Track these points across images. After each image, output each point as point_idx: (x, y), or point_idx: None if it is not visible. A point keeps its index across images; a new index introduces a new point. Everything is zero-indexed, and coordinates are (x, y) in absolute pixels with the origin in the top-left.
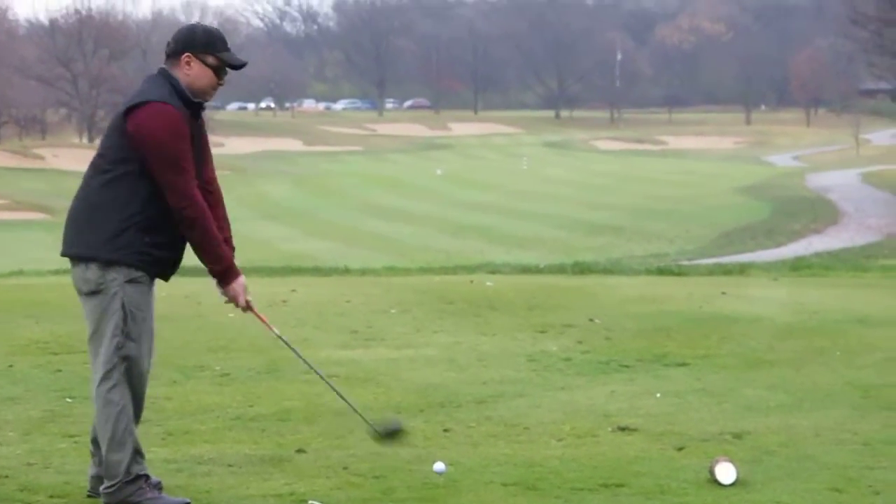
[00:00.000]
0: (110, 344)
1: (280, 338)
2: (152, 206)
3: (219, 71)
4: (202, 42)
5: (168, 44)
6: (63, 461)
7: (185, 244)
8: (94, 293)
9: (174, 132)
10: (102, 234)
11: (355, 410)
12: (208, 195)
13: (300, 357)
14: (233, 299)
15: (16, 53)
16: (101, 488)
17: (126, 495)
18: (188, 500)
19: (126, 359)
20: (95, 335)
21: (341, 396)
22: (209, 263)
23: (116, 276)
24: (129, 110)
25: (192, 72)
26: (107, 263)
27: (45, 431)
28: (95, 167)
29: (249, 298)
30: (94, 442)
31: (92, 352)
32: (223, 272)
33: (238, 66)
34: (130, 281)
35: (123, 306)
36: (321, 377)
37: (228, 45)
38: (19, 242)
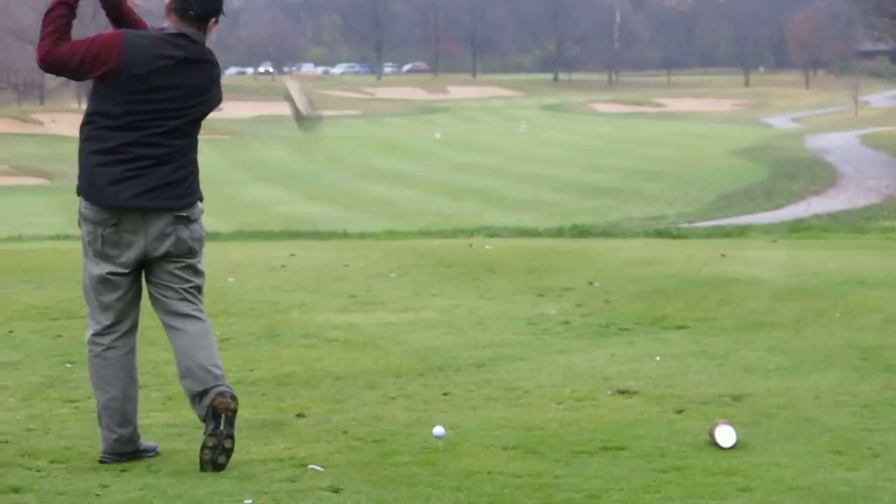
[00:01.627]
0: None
1: None
2: None
3: None
4: (222, 4)
5: (190, 4)
6: (63, 426)
7: None
8: (202, 249)
9: None
10: (198, 186)
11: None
12: None
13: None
14: None
15: (11, 17)
16: (230, 390)
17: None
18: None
19: None
20: (202, 283)
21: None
22: None
23: None
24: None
25: (211, 32)
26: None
27: (45, 397)
28: (184, 132)
29: None
30: (124, 398)
31: (129, 312)
32: None
33: None
34: None
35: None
36: None
37: None
38: (18, 207)
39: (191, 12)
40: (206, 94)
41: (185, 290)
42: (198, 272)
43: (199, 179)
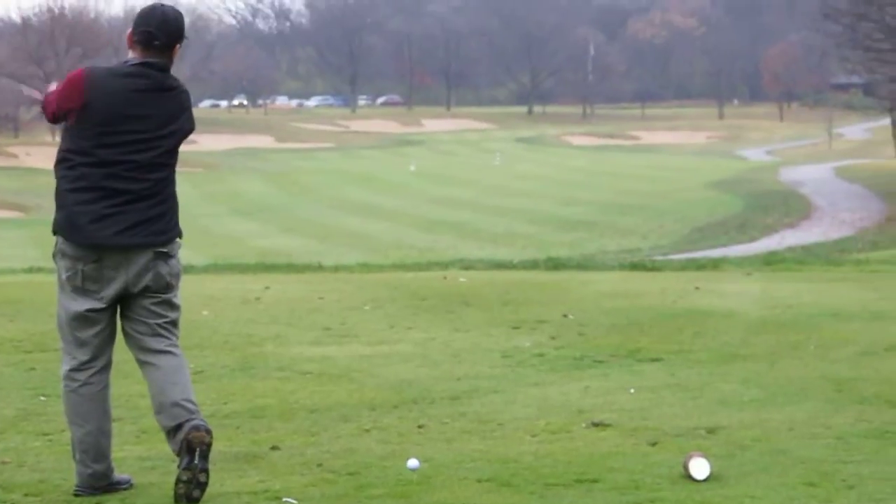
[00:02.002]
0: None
1: None
2: None
3: None
4: (184, 29)
5: (153, 34)
6: (38, 459)
7: None
8: (177, 284)
9: None
10: (175, 225)
11: None
12: None
13: None
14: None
15: None
16: (205, 424)
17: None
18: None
19: None
20: (177, 318)
21: None
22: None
23: None
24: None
25: (175, 58)
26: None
27: (20, 430)
28: (160, 164)
29: None
30: (100, 434)
31: (105, 348)
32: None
33: None
34: None
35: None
36: None
37: None
38: None
39: (156, 42)
40: (178, 121)
41: (158, 325)
42: (173, 306)
43: (178, 214)
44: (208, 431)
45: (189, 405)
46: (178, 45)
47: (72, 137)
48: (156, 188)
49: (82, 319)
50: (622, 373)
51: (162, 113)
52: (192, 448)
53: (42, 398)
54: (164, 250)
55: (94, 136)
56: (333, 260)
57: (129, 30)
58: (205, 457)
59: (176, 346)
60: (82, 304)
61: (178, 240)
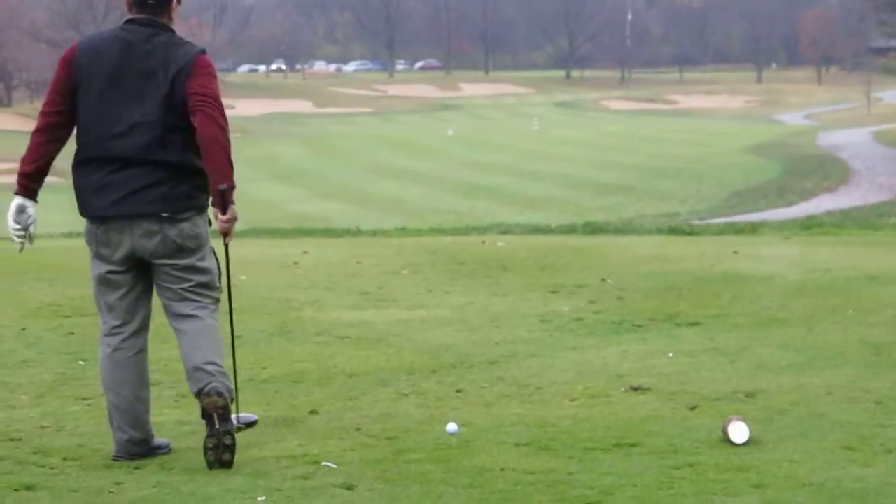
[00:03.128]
0: (216, 283)
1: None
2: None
3: None
4: None
5: None
6: (76, 424)
7: None
8: (200, 246)
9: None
10: (195, 186)
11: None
12: None
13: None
14: (232, 222)
15: (26, 17)
16: (219, 387)
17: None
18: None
19: (219, 302)
20: (212, 281)
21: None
22: (229, 173)
23: (206, 223)
24: (200, 58)
25: (175, 15)
26: (202, 213)
27: (58, 394)
28: (163, 129)
29: None
30: (135, 400)
31: (133, 310)
32: (234, 188)
33: None
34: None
35: (214, 253)
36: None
37: None
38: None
39: (150, 1)
40: (166, 76)
41: (183, 290)
42: (199, 270)
43: (199, 186)
44: (220, 394)
45: (210, 367)
46: (174, 2)
47: (77, 112)
48: (147, 153)
49: (105, 283)
50: (661, 337)
51: (147, 68)
52: (210, 414)
53: (81, 363)
54: (166, 214)
55: (85, 106)
56: (371, 224)
57: None
58: (225, 419)
59: (206, 307)
60: (102, 268)
61: (194, 210)
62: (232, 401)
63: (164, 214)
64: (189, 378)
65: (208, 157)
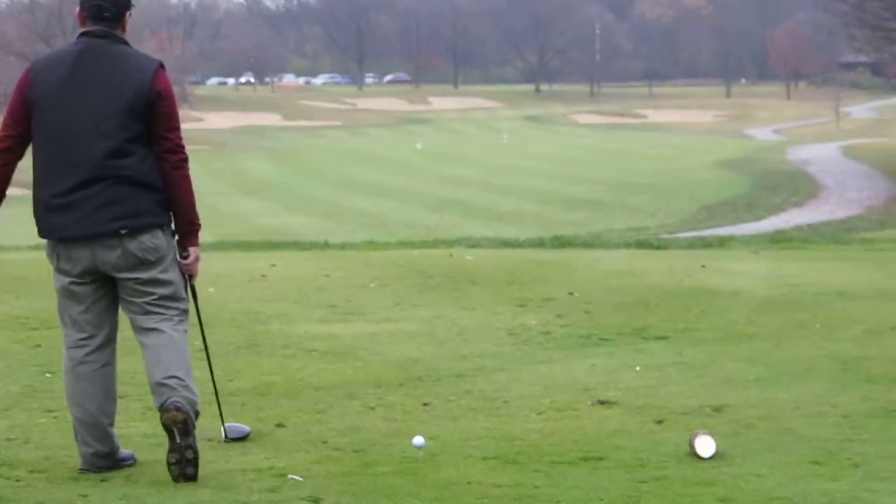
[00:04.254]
0: (185, 295)
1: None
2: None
3: None
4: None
5: (101, 6)
6: (43, 436)
7: None
8: (161, 258)
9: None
10: (155, 202)
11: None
12: None
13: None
14: (195, 262)
15: None
16: (179, 402)
17: (193, 419)
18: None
19: (188, 312)
20: (175, 293)
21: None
22: (193, 217)
23: (170, 237)
24: (158, 72)
25: (127, 27)
26: (167, 226)
27: (25, 407)
28: (123, 142)
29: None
30: (100, 414)
31: (98, 322)
32: (198, 229)
33: None
34: (174, 237)
35: (178, 263)
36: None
37: None
38: None
39: (106, 14)
40: (118, 90)
41: (146, 303)
42: (161, 282)
43: (159, 201)
44: (179, 409)
45: (171, 381)
46: (127, 14)
47: (33, 132)
48: (106, 167)
49: (68, 295)
50: (628, 351)
51: (103, 82)
52: (170, 429)
53: (48, 375)
54: (125, 232)
55: (39, 125)
56: (340, 238)
57: (77, 8)
58: (186, 433)
59: (170, 319)
60: (63, 280)
61: (154, 226)
62: (198, 415)
63: (123, 232)
64: (152, 392)
65: (178, 199)
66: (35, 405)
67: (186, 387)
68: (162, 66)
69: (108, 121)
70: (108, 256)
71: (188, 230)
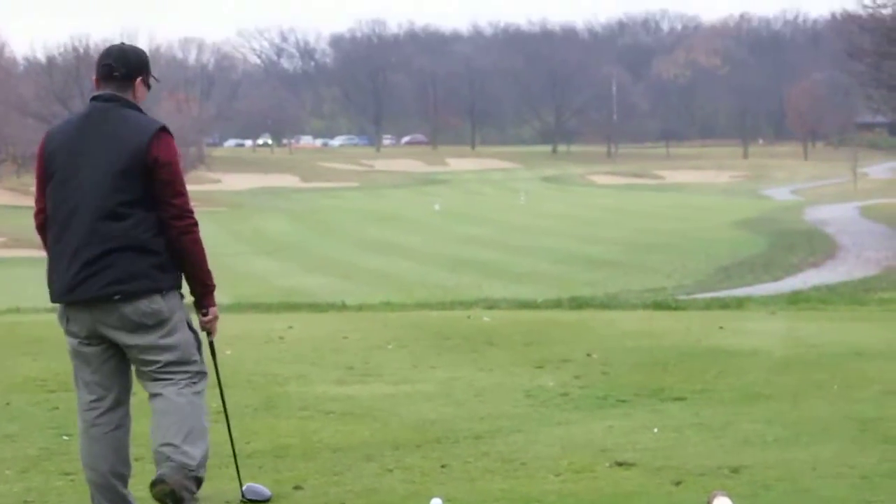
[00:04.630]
0: (197, 357)
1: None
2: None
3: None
4: (148, 63)
5: (111, 66)
6: (60, 499)
7: None
8: (161, 322)
9: (178, 155)
10: (153, 265)
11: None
12: None
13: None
14: (214, 321)
15: (13, 91)
16: (165, 473)
17: (188, 486)
18: None
19: (203, 374)
20: (182, 357)
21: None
22: (206, 279)
23: (176, 300)
24: (158, 135)
25: (140, 94)
26: (168, 290)
27: (42, 469)
28: (117, 205)
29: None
30: (111, 476)
31: (106, 384)
32: (212, 290)
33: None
34: (182, 299)
35: (190, 325)
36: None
37: None
38: (17, 279)
39: (115, 74)
40: (117, 152)
41: (152, 372)
42: (163, 348)
43: (157, 265)
44: (164, 481)
45: (165, 449)
46: (140, 79)
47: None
48: (100, 231)
49: (77, 357)
50: (646, 412)
51: (103, 143)
52: (161, 501)
53: (65, 437)
54: (118, 297)
55: (50, 190)
56: (357, 299)
57: (94, 75)
58: (176, 501)
59: (176, 384)
60: (73, 342)
61: (151, 290)
62: (199, 481)
63: (117, 297)
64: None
65: (189, 263)
66: (52, 468)
67: (181, 451)
68: (164, 129)
69: (105, 184)
70: (108, 320)
71: (203, 291)
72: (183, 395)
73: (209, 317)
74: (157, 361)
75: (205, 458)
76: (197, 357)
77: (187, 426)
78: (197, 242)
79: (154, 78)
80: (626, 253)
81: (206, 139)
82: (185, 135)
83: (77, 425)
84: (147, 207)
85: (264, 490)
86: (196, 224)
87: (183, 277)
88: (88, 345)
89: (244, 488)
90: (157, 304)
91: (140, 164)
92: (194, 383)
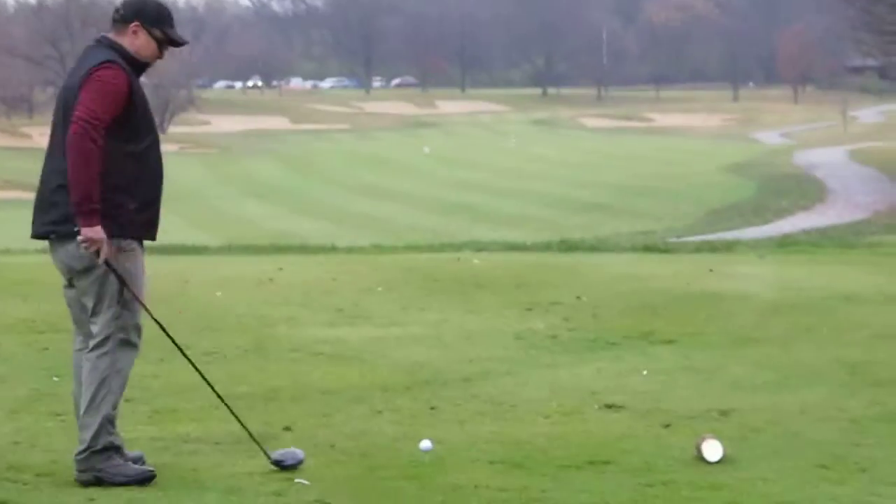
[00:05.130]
0: (107, 314)
1: (162, 328)
2: (129, 168)
3: (161, 45)
4: (152, 15)
5: (117, 10)
6: (50, 440)
7: (160, 202)
8: (87, 269)
9: (119, 90)
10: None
11: (252, 437)
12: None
13: (172, 341)
14: (88, 244)
15: (4, 33)
16: (74, 455)
17: (93, 464)
18: (153, 471)
19: (122, 328)
20: (96, 308)
21: (239, 422)
22: (75, 196)
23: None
24: (91, 72)
25: (139, 41)
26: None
27: (32, 410)
28: (63, 144)
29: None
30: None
31: (84, 324)
32: (83, 210)
33: (181, 44)
34: (120, 250)
35: (119, 276)
36: (219, 398)
37: (174, 24)
38: (7, 221)
39: (115, 17)
40: (69, 90)
41: (87, 317)
42: (86, 293)
43: (102, 210)
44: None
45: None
46: (134, 23)
47: None
48: (52, 172)
49: (64, 299)
50: (635, 355)
51: (66, 86)
52: None
53: (55, 378)
54: (54, 236)
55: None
56: (347, 242)
57: None
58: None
59: (93, 338)
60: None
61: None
62: (105, 450)
63: (52, 236)
64: None
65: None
66: (42, 409)
67: (83, 426)
68: (104, 62)
69: (59, 121)
70: (57, 260)
71: (76, 210)
72: (88, 360)
73: (80, 237)
74: (87, 307)
75: (102, 426)
76: (106, 311)
77: (89, 394)
78: (74, 148)
79: (164, 33)
80: (616, 196)
81: (196, 82)
82: (174, 77)
83: (71, 365)
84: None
85: (297, 452)
86: (82, 131)
87: (129, 228)
88: (68, 286)
89: (278, 455)
90: (83, 248)
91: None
92: (99, 345)
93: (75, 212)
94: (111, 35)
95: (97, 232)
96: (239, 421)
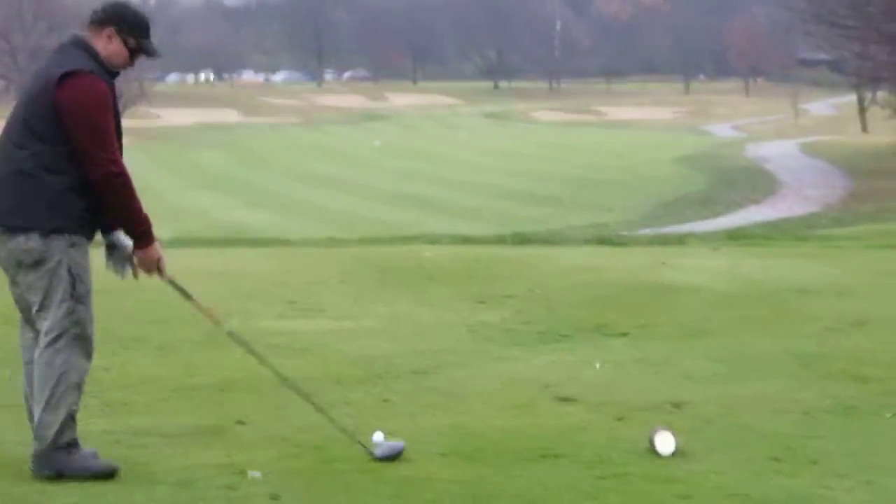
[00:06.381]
0: (59, 309)
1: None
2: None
3: (134, 54)
4: (130, 23)
5: (95, 11)
6: (1, 432)
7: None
8: (38, 262)
9: (103, 104)
10: (40, 202)
11: (352, 437)
12: None
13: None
14: (148, 262)
15: None
16: (31, 453)
17: (54, 460)
18: (116, 464)
19: (77, 323)
20: (45, 303)
21: (330, 419)
22: (132, 225)
23: (59, 243)
24: (62, 79)
25: (112, 47)
26: (49, 231)
27: None
28: (21, 136)
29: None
30: (31, 416)
31: (34, 320)
32: (142, 232)
33: (153, 56)
34: (72, 245)
35: (70, 271)
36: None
37: (150, 34)
38: None
39: (91, 17)
40: (33, 93)
41: (35, 314)
42: (32, 289)
43: (51, 204)
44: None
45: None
46: (108, 28)
47: None
48: (3, 159)
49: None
50: (588, 347)
51: (32, 80)
52: None
53: (8, 372)
54: (1, 229)
55: None
56: (299, 234)
57: None
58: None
59: (42, 335)
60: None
61: (30, 229)
62: (67, 445)
63: (0, 228)
64: None
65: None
66: None
67: (40, 424)
68: (70, 74)
69: (18, 113)
70: (1, 253)
71: (132, 235)
72: (42, 356)
73: (142, 256)
74: (34, 303)
75: (65, 422)
76: (63, 310)
77: (47, 391)
78: (116, 192)
79: (139, 43)
80: (569, 189)
81: (147, 75)
82: (125, 71)
83: (20, 358)
84: (51, 143)
85: (397, 444)
86: (113, 174)
87: (80, 225)
88: (11, 283)
89: (377, 446)
90: (33, 242)
91: (45, 101)
92: (52, 342)
93: (135, 236)
94: (87, 36)
95: (156, 250)
96: (330, 418)
